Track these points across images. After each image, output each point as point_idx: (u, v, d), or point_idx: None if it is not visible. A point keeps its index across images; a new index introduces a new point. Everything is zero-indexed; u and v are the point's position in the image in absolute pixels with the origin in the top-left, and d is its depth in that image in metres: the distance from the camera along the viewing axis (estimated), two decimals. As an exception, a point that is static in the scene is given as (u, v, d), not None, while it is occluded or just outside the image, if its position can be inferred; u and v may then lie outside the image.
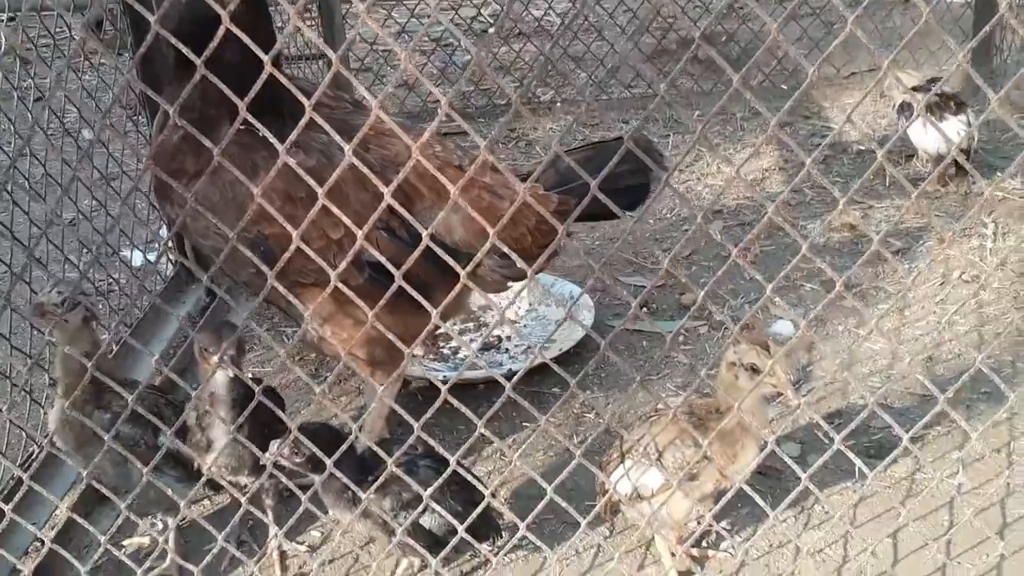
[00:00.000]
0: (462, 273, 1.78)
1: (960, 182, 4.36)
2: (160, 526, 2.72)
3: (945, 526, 2.61)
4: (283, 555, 2.73)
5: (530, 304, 3.90)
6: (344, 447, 2.09)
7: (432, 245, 1.77)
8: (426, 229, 1.79)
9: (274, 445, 2.33)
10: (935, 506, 2.70)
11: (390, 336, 1.88)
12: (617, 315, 3.73)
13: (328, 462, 2.14)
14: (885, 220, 4.25)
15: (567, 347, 3.44)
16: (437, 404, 1.97)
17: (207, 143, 1.69)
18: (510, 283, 2.93)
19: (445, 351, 3.67)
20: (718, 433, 2.22)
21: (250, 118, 1.73)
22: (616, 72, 5.73)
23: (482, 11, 6.27)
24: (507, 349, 3.65)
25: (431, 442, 2.00)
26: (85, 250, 3.91)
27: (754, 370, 2.23)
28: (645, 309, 3.79)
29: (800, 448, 2.93)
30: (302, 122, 1.69)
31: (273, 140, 1.71)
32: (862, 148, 4.92)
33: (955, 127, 4.19)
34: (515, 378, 1.96)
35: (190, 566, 2.18)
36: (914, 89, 4.33)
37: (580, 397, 3.22)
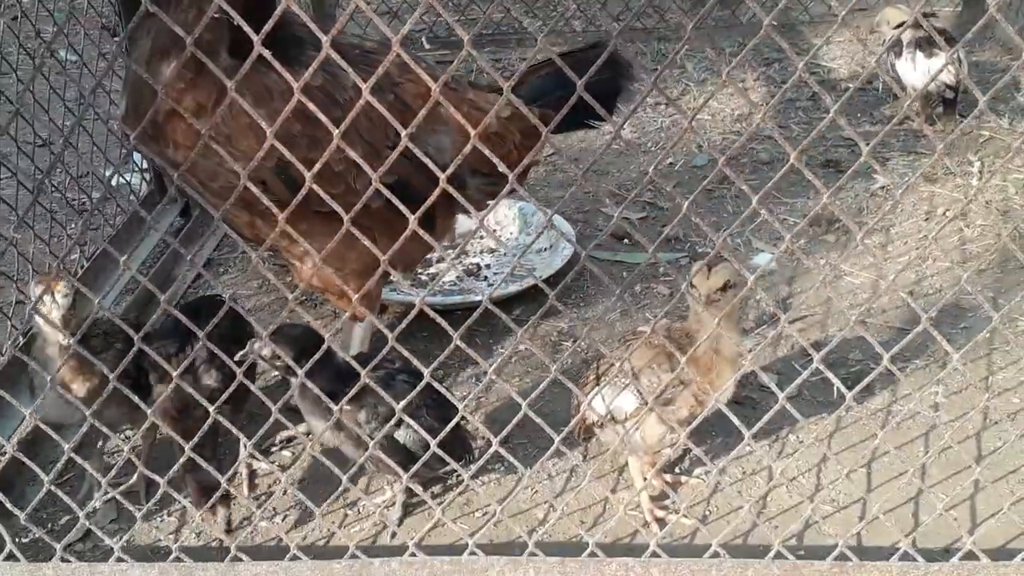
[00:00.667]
0: (442, 177, 1.74)
1: (948, 121, 4.31)
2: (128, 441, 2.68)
3: (921, 456, 2.60)
4: (252, 473, 2.69)
5: (511, 233, 3.85)
6: (318, 355, 2.05)
7: (412, 146, 1.73)
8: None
9: (252, 344, 2.30)
10: (912, 436, 2.69)
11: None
12: (598, 245, 3.68)
13: (299, 372, 2.10)
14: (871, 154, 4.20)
15: (546, 275, 3.41)
16: (413, 314, 1.93)
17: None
18: (491, 202, 2.90)
19: (423, 277, 3.62)
20: (692, 358, 2.19)
21: (230, 11, 1.67)
22: (606, 4, 5.62)
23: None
24: (486, 277, 3.61)
25: (405, 353, 1.96)
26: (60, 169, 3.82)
27: (692, 286, 2.25)
28: (626, 241, 3.75)
29: (777, 379, 2.90)
30: (278, 11, 1.62)
31: (248, 30, 1.64)
32: (851, 87, 4.85)
33: (944, 63, 4.13)
34: (492, 290, 1.93)
35: (157, 477, 2.15)
36: (904, 25, 4.27)
37: (557, 323, 3.22)
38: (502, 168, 1.78)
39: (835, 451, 2.66)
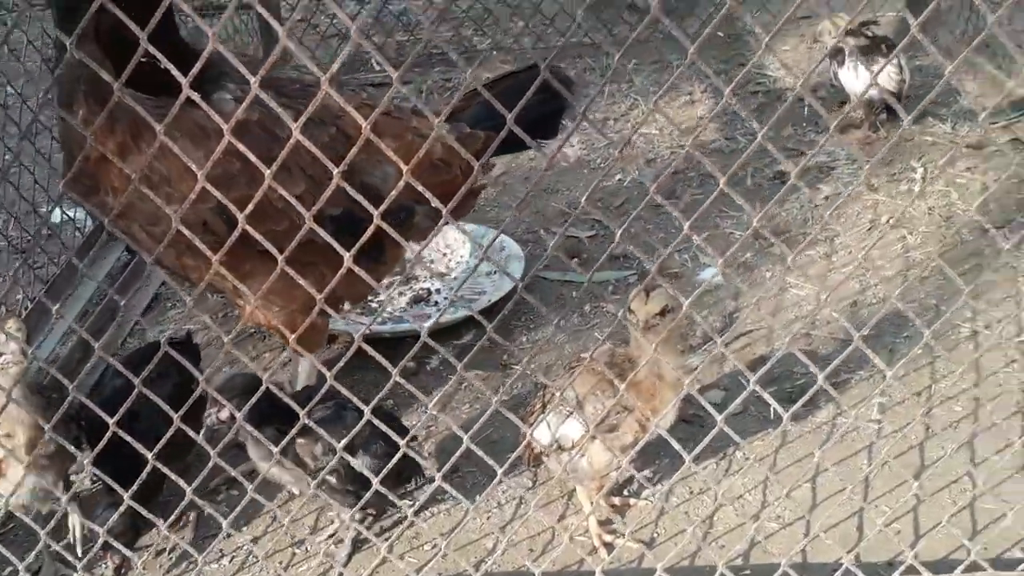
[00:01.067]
0: (375, 213, 1.72)
1: (892, 127, 4.37)
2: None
3: (864, 470, 2.63)
4: (199, 515, 2.66)
5: (461, 256, 3.85)
6: (253, 401, 2.03)
7: (344, 184, 1.71)
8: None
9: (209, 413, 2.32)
10: (855, 450, 2.72)
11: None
12: (547, 267, 3.69)
13: (239, 415, 2.09)
14: (815, 166, 4.24)
15: (496, 298, 3.41)
16: (351, 352, 1.91)
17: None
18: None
19: (373, 304, 3.61)
20: (633, 383, 2.20)
21: (151, 48, 1.65)
22: (553, 21, 5.64)
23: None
24: (436, 302, 3.60)
25: (343, 391, 1.96)
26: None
27: (631, 311, 2.26)
28: (576, 260, 3.76)
29: (723, 395, 2.92)
30: (206, 52, 1.61)
31: (175, 72, 1.62)
32: (790, 96, 4.90)
33: (885, 70, 4.18)
34: (430, 323, 1.93)
35: (96, 527, 2.13)
36: (847, 33, 4.32)
37: (502, 346, 3.22)
38: (435, 203, 1.77)
39: (782, 466, 2.68)
